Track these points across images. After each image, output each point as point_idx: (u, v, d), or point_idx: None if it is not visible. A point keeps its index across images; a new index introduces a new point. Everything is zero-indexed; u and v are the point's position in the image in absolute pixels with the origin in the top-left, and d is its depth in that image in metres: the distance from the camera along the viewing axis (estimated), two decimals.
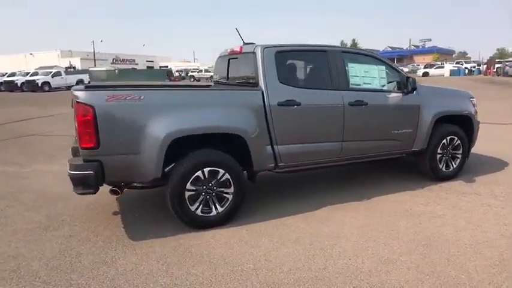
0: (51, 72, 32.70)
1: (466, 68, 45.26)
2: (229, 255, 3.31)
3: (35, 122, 12.16)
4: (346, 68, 4.47)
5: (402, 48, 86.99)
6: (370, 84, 4.68)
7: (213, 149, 3.82)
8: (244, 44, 4.66)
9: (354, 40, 78.60)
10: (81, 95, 3.36)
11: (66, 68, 45.03)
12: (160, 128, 3.52)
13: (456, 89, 5.62)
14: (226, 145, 3.91)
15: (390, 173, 5.61)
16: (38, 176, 5.83)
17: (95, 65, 56.41)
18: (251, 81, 4.19)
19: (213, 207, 3.85)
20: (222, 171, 3.80)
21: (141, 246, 3.51)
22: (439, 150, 5.11)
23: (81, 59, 60.13)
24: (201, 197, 3.79)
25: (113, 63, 64.07)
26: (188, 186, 3.69)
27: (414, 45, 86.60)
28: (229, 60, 4.90)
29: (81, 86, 4.07)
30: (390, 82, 4.83)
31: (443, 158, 5.19)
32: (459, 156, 5.30)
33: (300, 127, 4.22)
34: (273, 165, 4.14)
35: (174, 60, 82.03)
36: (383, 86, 4.77)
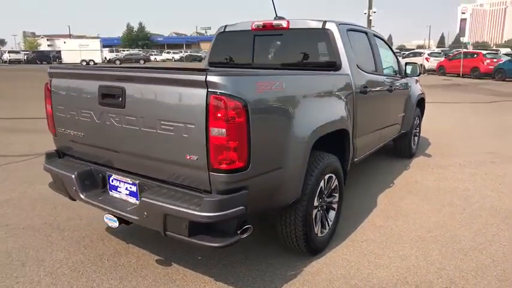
0: None
1: None
2: (401, 275, 2.72)
3: None
4: (379, 53, 4.28)
5: (187, 35, 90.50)
6: (388, 69, 4.64)
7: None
8: (277, 17, 3.82)
9: (141, 24, 75.56)
10: (222, 81, 1.97)
11: None
12: (304, 127, 2.51)
13: None
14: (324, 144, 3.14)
15: None
16: None
17: None
18: (323, 64, 3.47)
19: (326, 223, 3.06)
20: (334, 177, 3.05)
21: None
22: (413, 131, 5.60)
23: None
24: (319, 214, 2.95)
25: None
26: (315, 202, 2.80)
27: (198, 33, 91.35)
28: (254, 37, 3.90)
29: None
30: (392, 66, 4.92)
31: (413, 137, 5.71)
32: (417, 134, 5.96)
33: (368, 116, 3.80)
34: (351, 162, 3.60)
35: None
36: (394, 70, 4.82)
